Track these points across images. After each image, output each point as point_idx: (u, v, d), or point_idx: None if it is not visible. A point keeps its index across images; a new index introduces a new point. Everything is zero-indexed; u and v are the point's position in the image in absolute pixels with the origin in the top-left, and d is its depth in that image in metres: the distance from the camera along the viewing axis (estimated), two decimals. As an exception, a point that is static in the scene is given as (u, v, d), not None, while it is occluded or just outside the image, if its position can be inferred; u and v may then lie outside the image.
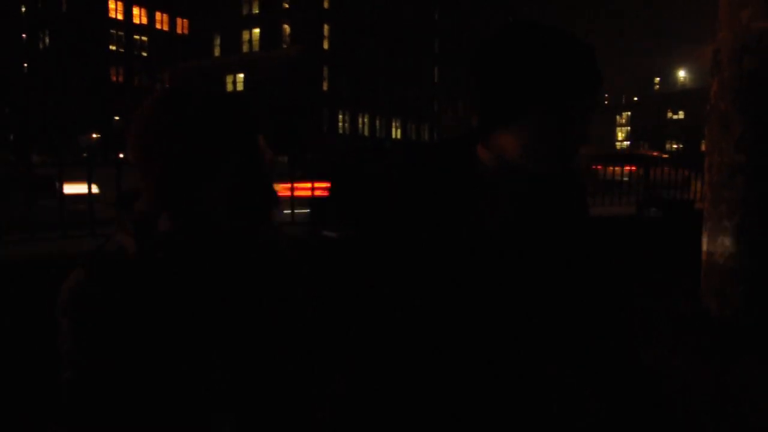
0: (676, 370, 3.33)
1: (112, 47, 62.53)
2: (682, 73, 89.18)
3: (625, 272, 4.82)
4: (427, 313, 1.17)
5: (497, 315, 1.19)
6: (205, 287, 1.11)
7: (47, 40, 61.19)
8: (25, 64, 62.89)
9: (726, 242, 4.11)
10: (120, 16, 62.85)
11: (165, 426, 1.08)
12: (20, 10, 62.62)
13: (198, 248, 1.11)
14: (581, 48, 1.09)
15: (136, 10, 64.29)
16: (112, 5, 61.83)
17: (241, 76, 51.47)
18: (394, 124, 58.85)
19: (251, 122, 1.12)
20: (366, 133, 55.31)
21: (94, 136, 56.97)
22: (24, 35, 62.69)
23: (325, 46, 50.48)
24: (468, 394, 1.19)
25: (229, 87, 51.69)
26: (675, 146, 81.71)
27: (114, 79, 62.71)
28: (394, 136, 58.47)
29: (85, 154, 47.06)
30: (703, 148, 4.30)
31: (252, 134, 1.12)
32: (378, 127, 56.85)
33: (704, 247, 4.30)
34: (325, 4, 50.19)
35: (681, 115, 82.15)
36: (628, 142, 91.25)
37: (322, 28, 50.09)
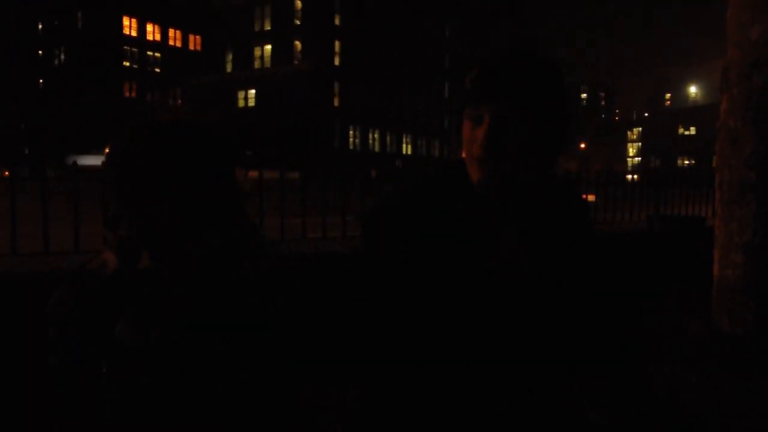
0: (687, 387, 3.31)
1: (126, 63, 63.32)
2: (693, 89, 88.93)
3: (633, 286, 4.80)
4: (432, 326, 1.20)
5: (503, 327, 1.21)
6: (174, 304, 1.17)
7: (62, 57, 62.05)
8: (41, 80, 63.73)
9: (737, 259, 4.09)
10: (134, 33, 63.68)
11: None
12: (37, 27, 63.58)
13: (173, 277, 1.17)
14: (502, 59, 1.16)
15: (149, 27, 65.12)
16: (126, 22, 62.70)
17: (253, 91, 51.89)
18: (404, 139, 59.00)
19: (226, 156, 1.18)
20: (377, 149, 55.47)
21: (107, 151, 57.42)
22: (40, 51, 63.58)
23: (336, 62, 50.86)
24: (475, 403, 1.21)
25: (241, 103, 52.14)
26: (687, 162, 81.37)
27: (127, 94, 63.42)
28: (404, 152, 58.60)
29: (98, 169, 47.38)
30: (714, 164, 4.30)
31: (227, 168, 1.18)
32: (388, 142, 57.02)
33: (715, 264, 4.28)
34: (336, 21, 50.62)
35: (692, 131, 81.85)
36: (639, 158, 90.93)
37: (333, 44, 50.50)
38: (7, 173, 3.83)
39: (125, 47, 63.14)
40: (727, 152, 4.17)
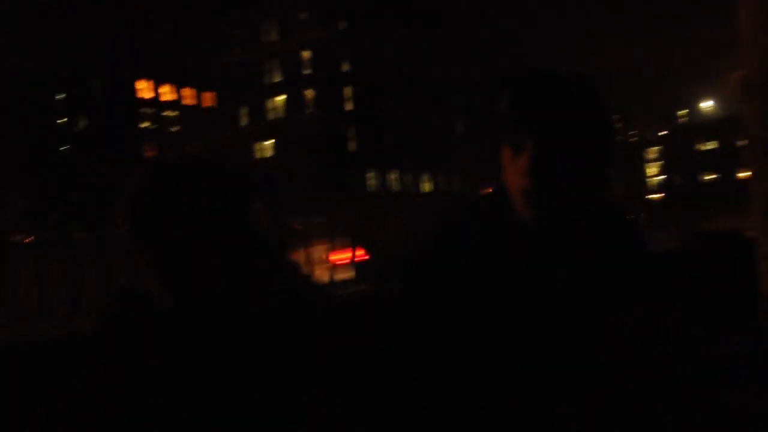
0: (748, 410, 3.15)
1: (144, 124, 64.80)
2: (710, 103, 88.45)
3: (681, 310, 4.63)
4: (474, 365, 1.12)
5: (548, 364, 1.12)
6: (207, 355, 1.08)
7: (82, 124, 63.68)
8: (62, 147, 65.27)
9: (782, 271, 3.92)
10: (149, 95, 65.36)
11: None
12: (54, 98, 65.42)
13: (201, 323, 1.07)
14: (535, 80, 1.06)
15: (164, 89, 66.82)
16: (141, 85, 64.44)
17: (268, 142, 52.61)
18: (423, 177, 59.12)
19: (242, 189, 1.09)
20: (396, 188, 55.61)
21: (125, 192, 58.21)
22: (64, 120, 65.31)
23: (349, 107, 51.50)
24: None
25: (258, 154, 52.84)
26: (708, 177, 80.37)
27: (147, 154, 64.72)
28: (424, 190, 58.63)
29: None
30: (739, 175, 4.18)
31: (244, 201, 1.09)
32: (407, 182, 57.18)
33: (762, 276, 4.11)
34: (344, 68, 51.45)
35: (712, 145, 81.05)
36: (665, 176, 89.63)
37: (343, 91, 51.23)
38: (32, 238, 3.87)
39: (142, 109, 64.72)
40: (758, 162, 4.05)
